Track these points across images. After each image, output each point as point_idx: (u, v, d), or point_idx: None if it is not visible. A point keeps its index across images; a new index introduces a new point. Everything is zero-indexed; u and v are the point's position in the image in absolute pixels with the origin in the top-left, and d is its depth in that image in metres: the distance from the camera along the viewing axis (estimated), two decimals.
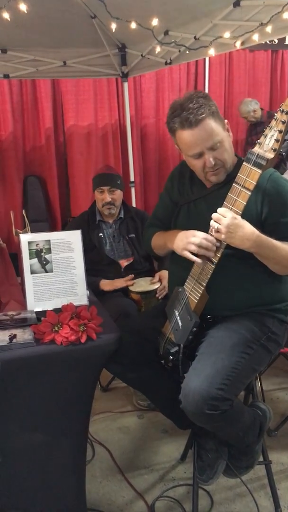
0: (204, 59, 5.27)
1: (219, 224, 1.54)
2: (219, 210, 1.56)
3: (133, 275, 2.75)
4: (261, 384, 2.65)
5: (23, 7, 1.92)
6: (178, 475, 2.20)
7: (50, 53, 4.05)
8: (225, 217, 1.53)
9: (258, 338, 1.69)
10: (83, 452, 1.85)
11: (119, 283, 2.69)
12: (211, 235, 1.61)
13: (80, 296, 1.85)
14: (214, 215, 1.57)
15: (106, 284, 2.70)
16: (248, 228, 1.54)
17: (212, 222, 1.57)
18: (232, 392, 1.56)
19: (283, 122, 1.46)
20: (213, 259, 1.63)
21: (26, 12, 1.93)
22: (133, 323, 2.04)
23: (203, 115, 1.61)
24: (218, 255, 1.62)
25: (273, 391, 2.84)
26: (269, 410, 1.90)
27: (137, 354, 1.82)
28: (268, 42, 5.26)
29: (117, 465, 2.27)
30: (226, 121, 1.73)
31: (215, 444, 1.82)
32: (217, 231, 1.56)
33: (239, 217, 1.54)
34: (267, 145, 1.50)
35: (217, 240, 1.60)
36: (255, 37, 2.74)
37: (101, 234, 2.88)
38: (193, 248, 1.63)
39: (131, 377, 1.92)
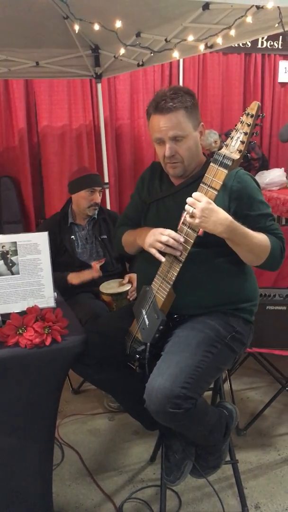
0: (178, 62, 5.30)
1: (194, 208, 1.56)
2: (194, 194, 1.58)
3: (101, 262, 2.74)
4: (230, 384, 2.68)
5: None
6: (147, 476, 2.21)
7: (23, 53, 4.00)
8: (200, 202, 1.56)
9: (223, 338, 1.70)
10: (50, 455, 1.83)
11: (86, 274, 2.67)
12: (184, 222, 1.63)
13: (47, 298, 1.84)
14: (189, 200, 1.58)
15: (74, 277, 2.67)
16: (222, 213, 1.57)
17: (186, 207, 1.59)
18: (196, 391, 1.57)
19: (248, 125, 1.52)
20: (180, 258, 1.65)
21: None
22: (100, 324, 2.03)
23: (175, 105, 1.66)
24: (185, 253, 1.64)
25: (243, 390, 2.87)
26: (235, 410, 1.92)
27: (103, 356, 1.82)
28: (241, 45, 5.34)
29: (86, 467, 2.26)
30: (202, 124, 1.76)
31: (182, 445, 1.83)
32: (192, 215, 1.57)
33: (213, 203, 1.57)
34: (233, 147, 1.55)
35: (185, 238, 1.63)
36: (219, 41, 2.76)
37: (73, 236, 2.86)
38: (159, 245, 1.66)
39: (97, 379, 1.92)
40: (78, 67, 4.31)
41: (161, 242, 1.66)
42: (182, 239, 1.64)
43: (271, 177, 4.44)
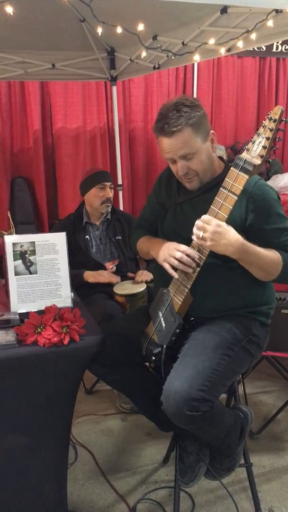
0: (193, 65, 5.30)
1: (203, 232, 1.55)
2: (203, 217, 1.57)
3: (114, 269, 2.76)
4: (244, 387, 2.67)
5: (9, 9, 1.92)
6: (160, 477, 2.21)
7: (39, 56, 4.05)
8: (209, 225, 1.54)
9: (240, 340, 1.71)
10: (65, 455, 1.85)
11: (103, 277, 2.69)
12: (195, 243, 1.63)
13: (64, 298, 1.86)
14: (197, 223, 1.58)
15: (90, 276, 2.70)
16: (233, 236, 1.55)
17: (195, 230, 1.58)
18: (213, 394, 1.57)
19: (271, 130, 1.49)
20: (199, 262, 1.64)
21: (12, 14, 1.93)
22: (117, 325, 2.04)
23: (179, 126, 1.63)
24: (204, 257, 1.63)
25: (256, 394, 2.86)
26: (250, 412, 1.92)
27: (119, 356, 1.83)
28: (256, 49, 5.34)
29: (100, 467, 2.27)
30: (212, 131, 1.73)
31: (197, 447, 1.83)
32: (202, 238, 1.57)
33: (223, 224, 1.55)
34: (254, 151, 1.53)
35: (199, 248, 1.63)
36: (240, 44, 2.77)
37: (87, 236, 2.88)
38: (173, 261, 1.66)
39: (113, 379, 1.92)
40: (94, 70, 4.34)
41: (175, 258, 1.65)
42: (197, 256, 1.63)
43: (286, 180, 4.43)
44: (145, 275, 2.74)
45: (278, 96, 5.89)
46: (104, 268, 2.79)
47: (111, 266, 2.79)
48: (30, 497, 1.79)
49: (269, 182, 4.42)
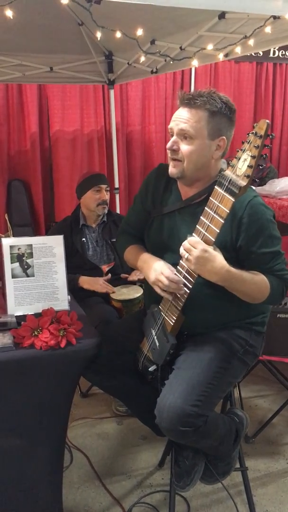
0: (190, 69, 5.32)
1: (189, 254, 1.50)
2: (190, 240, 1.52)
3: (110, 276, 2.76)
4: (239, 391, 2.68)
5: (9, 13, 1.92)
6: (155, 481, 2.21)
7: (37, 59, 4.05)
8: (195, 249, 1.48)
9: (236, 352, 1.70)
10: (61, 458, 1.84)
11: (98, 286, 2.68)
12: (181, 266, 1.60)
13: (61, 301, 1.86)
14: (184, 245, 1.52)
15: (85, 282, 2.69)
16: (218, 262, 1.50)
17: (182, 251, 1.53)
18: (207, 408, 1.56)
19: (256, 147, 1.36)
20: (188, 285, 1.60)
21: (12, 18, 1.93)
22: (112, 332, 2.00)
23: (197, 102, 1.57)
24: (193, 280, 1.58)
25: (252, 398, 2.87)
26: (246, 417, 1.92)
27: (115, 363, 1.83)
28: (253, 54, 5.36)
29: (95, 471, 2.27)
30: (223, 138, 1.62)
31: (192, 451, 1.83)
32: (187, 260, 1.52)
33: (210, 249, 1.48)
34: (240, 170, 1.40)
35: (188, 272, 1.59)
36: (238, 50, 2.78)
37: (84, 239, 2.88)
38: (161, 286, 1.63)
39: (108, 386, 1.92)
40: (91, 73, 4.34)
41: (163, 284, 1.62)
42: (184, 281, 1.59)
43: (282, 185, 4.42)
44: (139, 274, 2.74)
45: (275, 101, 5.91)
46: (100, 271, 2.79)
47: (106, 268, 2.79)
48: (25, 500, 1.78)
49: (266, 187, 4.41)
